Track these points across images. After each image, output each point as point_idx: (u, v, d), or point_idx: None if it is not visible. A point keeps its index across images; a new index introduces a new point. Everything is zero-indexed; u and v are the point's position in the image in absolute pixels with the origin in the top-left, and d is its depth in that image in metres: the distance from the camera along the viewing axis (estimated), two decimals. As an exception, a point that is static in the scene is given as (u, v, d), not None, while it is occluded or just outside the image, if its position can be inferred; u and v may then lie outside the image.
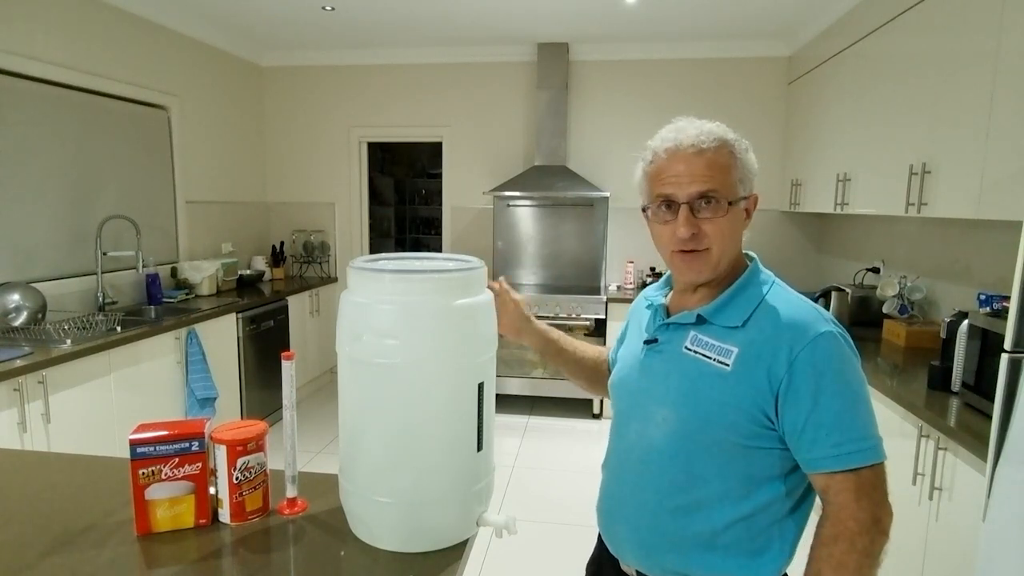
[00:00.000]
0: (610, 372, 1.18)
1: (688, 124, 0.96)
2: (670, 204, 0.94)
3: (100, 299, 3.19)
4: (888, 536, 0.85)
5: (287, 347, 4.12)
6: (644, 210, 1.01)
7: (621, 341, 1.20)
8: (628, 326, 1.19)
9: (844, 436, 0.85)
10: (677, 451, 0.95)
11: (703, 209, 0.92)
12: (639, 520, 0.99)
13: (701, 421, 0.93)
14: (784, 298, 0.95)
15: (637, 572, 1.02)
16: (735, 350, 0.91)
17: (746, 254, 1.03)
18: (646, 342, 1.04)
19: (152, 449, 1.03)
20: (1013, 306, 1.33)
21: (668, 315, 1.04)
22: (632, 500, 1.01)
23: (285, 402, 1.12)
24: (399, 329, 0.97)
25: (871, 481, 0.85)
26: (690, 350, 0.96)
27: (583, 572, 1.22)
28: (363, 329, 0.99)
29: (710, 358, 0.93)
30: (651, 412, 0.99)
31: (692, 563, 0.94)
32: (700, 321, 0.97)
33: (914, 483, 1.90)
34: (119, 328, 2.82)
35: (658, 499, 0.97)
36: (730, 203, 0.92)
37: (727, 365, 0.91)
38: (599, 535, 1.12)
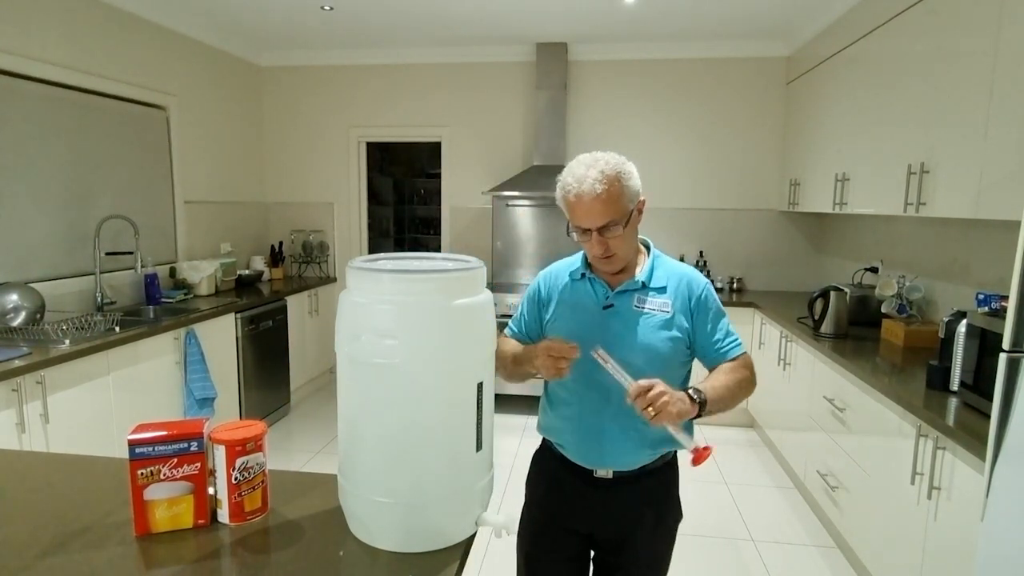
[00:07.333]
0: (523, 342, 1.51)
1: (587, 170, 1.25)
2: (585, 230, 1.29)
3: (99, 299, 3.19)
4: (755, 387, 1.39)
5: (286, 347, 4.12)
6: (568, 229, 1.35)
7: (537, 310, 1.49)
8: (549, 297, 1.46)
9: (734, 337, 1.39)
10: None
11: (606, 232, 1.28)
12: (625, 432, 1.33)
13: (657, 353, 1.32)
14: (674, 264, 1.42)
15: (614, 472, 1.37)
16: (669, 300, 1.35)
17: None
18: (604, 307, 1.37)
19: (151, 449, 1.03)
20: (1012, 305, 1.33)
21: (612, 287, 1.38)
22: (618, 422, 1.32)
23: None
24: (398, 329, 0.97)
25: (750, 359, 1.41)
26: (638, 308, 1.34)
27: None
28: (362, 329, 0.99)
29: (655, 310, 1.34)
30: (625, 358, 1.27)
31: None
32: (643, 287, 1.36)
33: (913, 482, 1.91)
34: (118, 328, 2.82)
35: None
36: (624, 224, 1.27)
37: (668, 312, 1.34)
38: (560, 455, 1.49)
